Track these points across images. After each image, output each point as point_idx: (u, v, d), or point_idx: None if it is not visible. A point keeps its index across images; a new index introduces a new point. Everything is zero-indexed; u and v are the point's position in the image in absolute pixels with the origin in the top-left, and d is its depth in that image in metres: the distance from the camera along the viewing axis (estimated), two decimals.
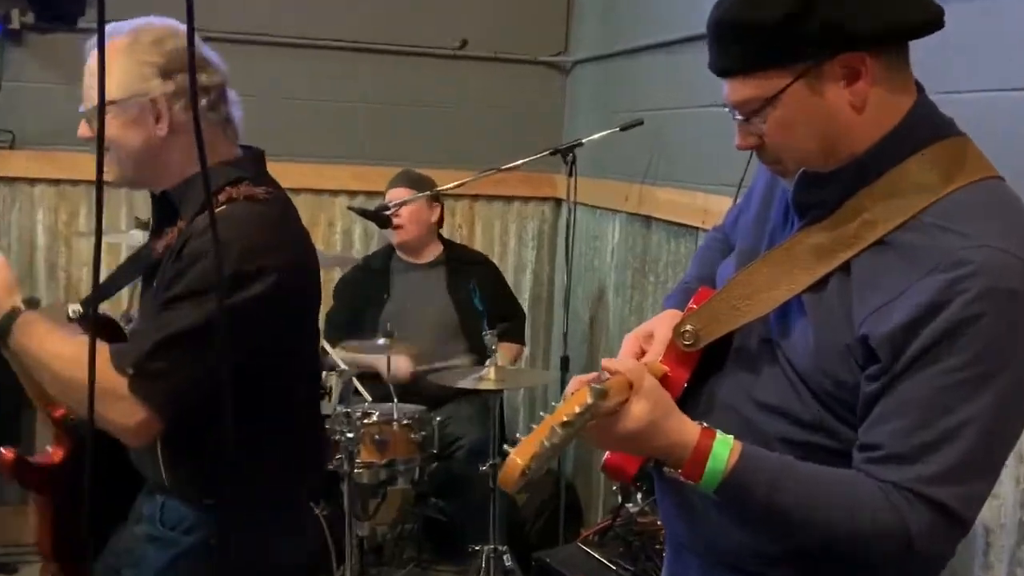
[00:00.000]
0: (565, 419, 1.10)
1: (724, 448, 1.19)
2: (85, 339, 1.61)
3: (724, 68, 1.23)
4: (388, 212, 3.30)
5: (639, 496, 2.64)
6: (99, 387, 1.51)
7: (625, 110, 3.53)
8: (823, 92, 1.18)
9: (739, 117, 1.24)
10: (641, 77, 3.55)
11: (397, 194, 3.54)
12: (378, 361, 3.39)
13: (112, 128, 1.65)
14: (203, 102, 1.66)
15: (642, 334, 1.41)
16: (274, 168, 1.80)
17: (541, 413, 1.14)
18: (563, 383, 3.41)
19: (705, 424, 1.22)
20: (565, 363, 3.47)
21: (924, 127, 1.21)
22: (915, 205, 1.17)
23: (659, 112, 3.32)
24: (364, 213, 3.35)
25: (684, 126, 3.17)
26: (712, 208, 2.86)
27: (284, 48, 3.92)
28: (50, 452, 1.79)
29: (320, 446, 1.99)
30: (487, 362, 3.10)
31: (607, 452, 1.30)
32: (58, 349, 1.58)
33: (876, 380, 1.15)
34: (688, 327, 1.31)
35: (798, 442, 1.22)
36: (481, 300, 3.47)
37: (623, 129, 3.31)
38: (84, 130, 1.71)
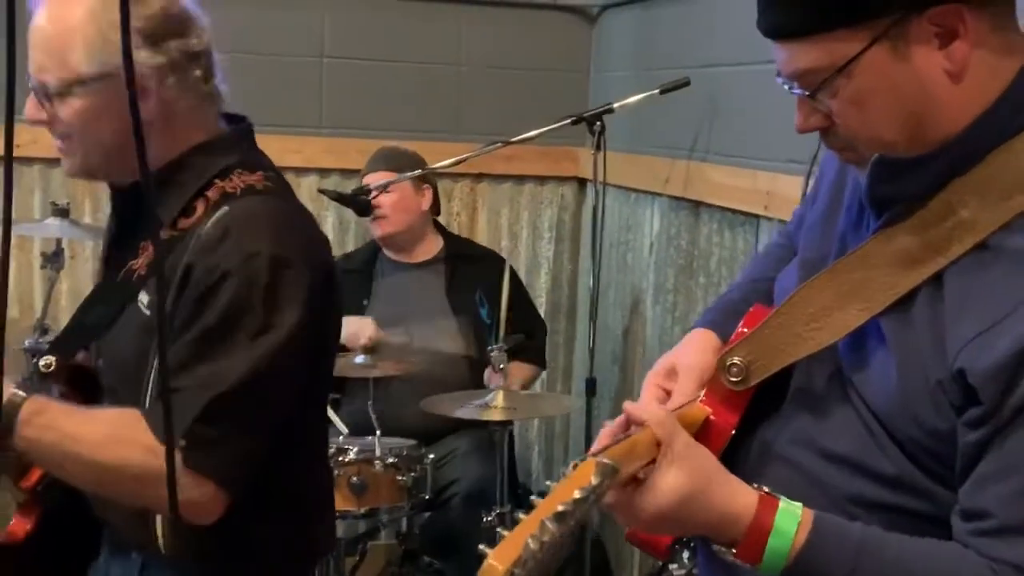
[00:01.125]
0: (560, 509, 1.03)
1: (790, 521, 1.17)
2: (110, 414, 1.67)
3: (779, 28, 1.21)
4: (369, 197, 3.31)
5: (685, 555, 2.64)
6: (146, 469, 1.56)
7: (667, 67, 3.53)
8: (910, 57, 1.16)
9: (799, 91, 1.22)
10: (688, 25, 3.55)
11: (376, 179, 3.54)
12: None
13: (78, 112, 1.64)
14: (196, 73, 1.68)
15: (661, 373, 1.39)
16: None
17: (532, 497, 1.09)
18: (588, 412, 3.41)
19: (766, 488, 1.20)
20: (591, 387, 3.47)
21: None
22: None
23: (711, 70, 3.32)
24: (339, 197, 3.35)
25: (743, 87, 3.17)
26: (778, 191, 2.86)
27: None
28: (11, 528, 1.82)
29: (329, 504, 2.03)
30: (491, 383, 3.11)
31: None
32: (87, 437, 1.61)
33: (978, 428, 1.13)
34: (736, 359, 1.29)
35: (877, 504, 1.21)
36: (490, 314, 3.47)
37: (665, 91, 3.30)
38: (33, 110, 1.68)
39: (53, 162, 3.87)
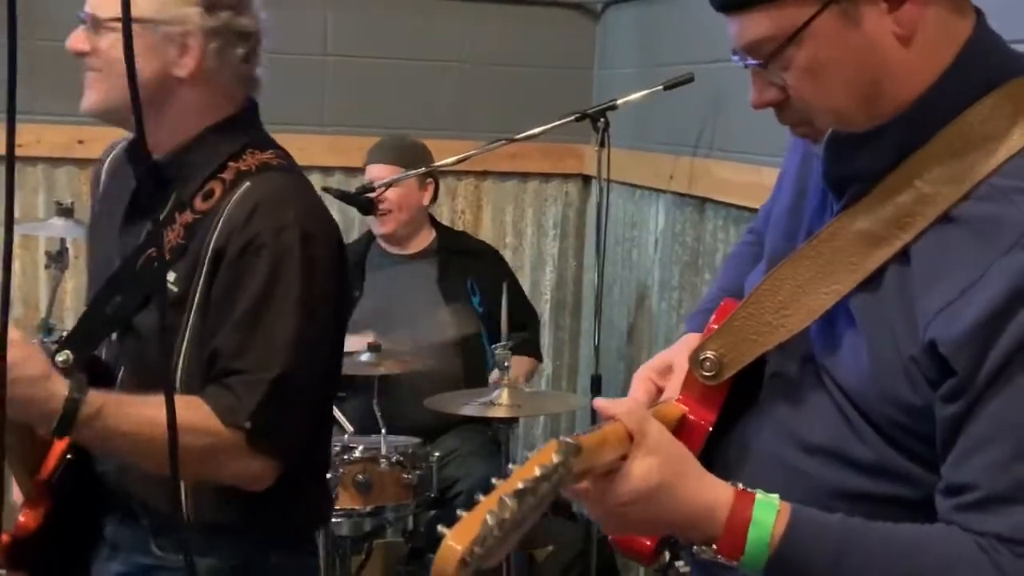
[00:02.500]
0: (520, 486, 0.99)
1: (768, 511, 1.15)
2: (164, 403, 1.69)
3: (729, 1, 1.21)
4: (373, 195, 3.31)
5: None
6: (213, 447, 1.65)
7: (671, 63, 3.54)
8: (860, 21, 1.16)
9: (752, 62, 1.22)
10: (691, 21, 3.55)
11: (378, 172, 3.55)
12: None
13: (114, 46, 1.72)
14: (239, 51, 1.78)
15: (657, 368, 1.39)
16: None
17: (493, 479, 1.03)
18: (594, 410, 3.41)
19: (740, 485, 1.18)
20: (596, 384, 3.48)
21: (987, 63, 1.19)
22: (985, 165, 1.15)
23: (714, 66, 3.32)
24: (343, 196, 3.36)
25: (746, 83, 3.16)
26: None
27: None
28: (23, 521, 1.83)
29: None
30: (494, 380, 3.11)
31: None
32: (153, 425, 1.60)
33: (955, 400, 1.12)
34: (708, 354, 1.28)
35: (858, 494, 1.19)
36: (482, 302, 3.45)
37: (669, 87, 3.31)
38: (78, 40, 1.75)
39: (57, 161, 3.89)
